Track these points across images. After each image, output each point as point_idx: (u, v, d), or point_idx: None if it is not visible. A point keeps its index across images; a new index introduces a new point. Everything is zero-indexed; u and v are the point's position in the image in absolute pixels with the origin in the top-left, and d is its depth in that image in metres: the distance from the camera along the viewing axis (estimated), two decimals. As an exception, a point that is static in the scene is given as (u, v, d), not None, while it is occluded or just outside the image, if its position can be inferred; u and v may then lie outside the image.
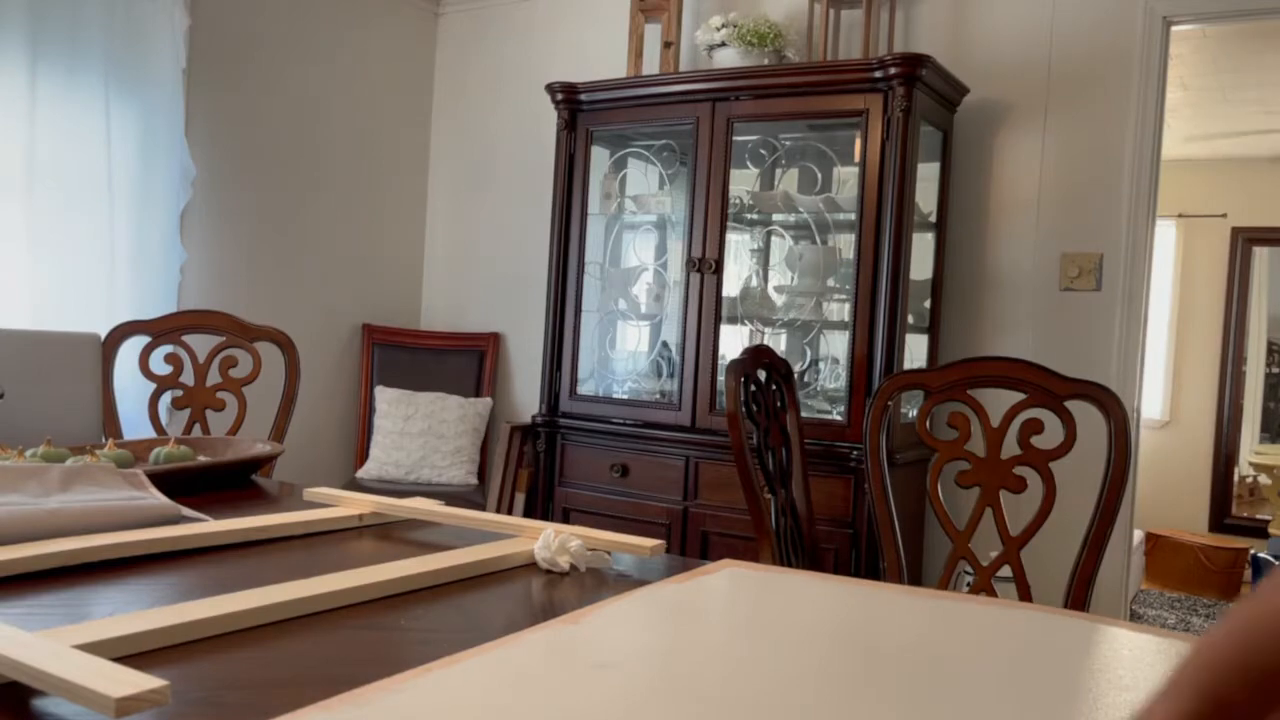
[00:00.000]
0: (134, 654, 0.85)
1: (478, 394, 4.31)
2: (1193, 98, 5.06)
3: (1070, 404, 1.96)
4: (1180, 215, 6.44)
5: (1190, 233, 6.48)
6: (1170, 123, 5.41)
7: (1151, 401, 6.45)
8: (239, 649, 0.90)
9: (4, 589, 1.06)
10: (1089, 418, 2.01)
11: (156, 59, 3.40)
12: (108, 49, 3.27)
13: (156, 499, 1.38)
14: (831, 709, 0.81)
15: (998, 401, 2.06)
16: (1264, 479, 6.15)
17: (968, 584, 2.12)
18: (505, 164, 4.45)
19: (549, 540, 1.27)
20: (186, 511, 1.39)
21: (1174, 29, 3.17)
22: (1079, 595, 1.91)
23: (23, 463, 1.44)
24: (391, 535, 1.45)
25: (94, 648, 0.81)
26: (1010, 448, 1.97)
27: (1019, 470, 1.97)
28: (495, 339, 4.39)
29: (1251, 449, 6.40)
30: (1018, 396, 2.00)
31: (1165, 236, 6.42)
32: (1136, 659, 1.00)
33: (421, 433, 4.05)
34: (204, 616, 0.91)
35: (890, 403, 2.12)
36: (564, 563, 1.25)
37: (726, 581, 1.22)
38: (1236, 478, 6.43)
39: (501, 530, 1.42)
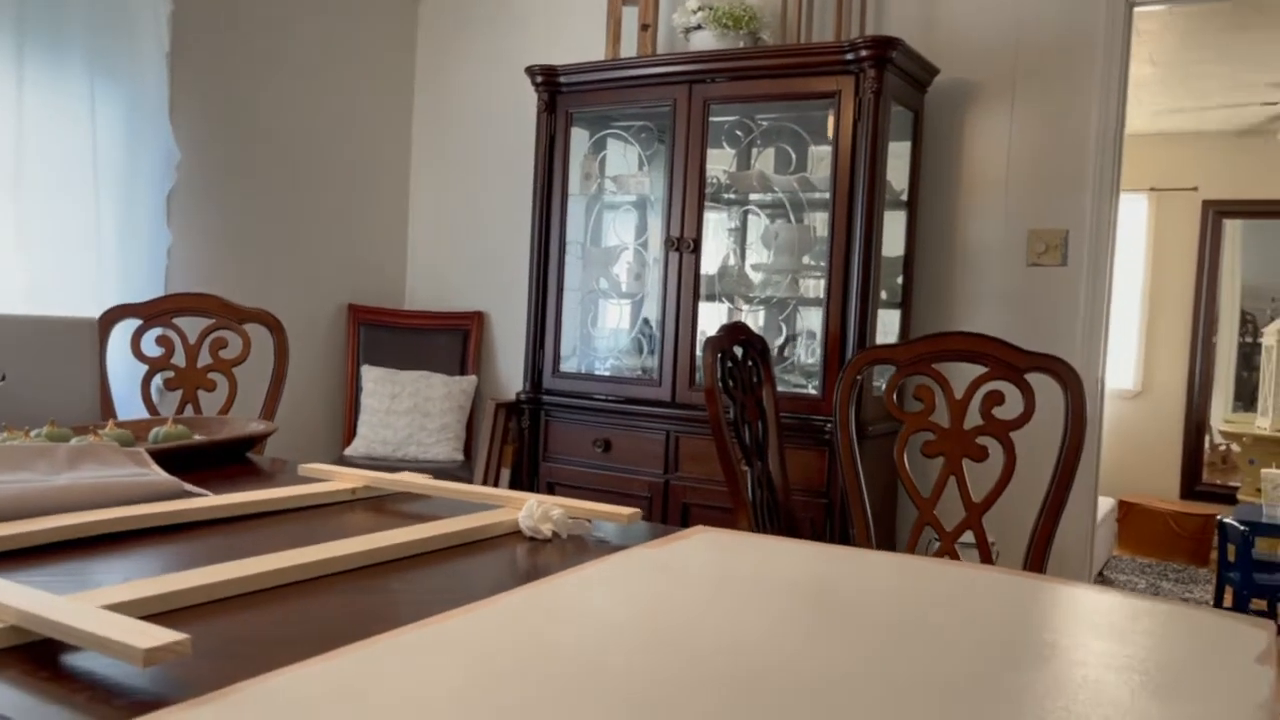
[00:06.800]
0: (153, 614, 0.93)
1: (462, 372, 4.38)
2: (1161, 74, 5.15)
3: (1031, 376, 2.06)
4: (1152, 189, 6.55)
5: (1162, 206, 6.59)
6: (1140, 98, 5.50)
7: (1124, 372, 6.57)
8: (247, 610, 0.98)
9: (22, 560, 1.14)
10: (1054, 389, 2.10)
11: (140, 44, 3.44)
12: (92, 34, 3.30)
13: (160, 475, 1.45)
14: (800, 658, 0.90)
15: (962, 374, 2.15)
16: (1235, 447, 6.30)
17: (934, 549, 2.22)
18: (486, 146, 4.50)
19: (532, 509, 1.35)
20: (188, 487, 1.46)
21: (1137, 9, 3.25)
22: (1037, 558, 2.01)
23: (30, 442, 1.52)
24: (383, 508, 1.53)
25: (119, 608, 0.89)
26: (974, 419, 2.06)
27: (981, 440, 2.06)
28: (479, 318, 4.46)
29: (1223, 418, 6.55)
30: (981, 370, 2.09)
31: (1137, 210, 6.53)
32: (1082, 615, 1.09)
33: (408, 410, 4.12)
34: (217, 580, 0.99)
35: (860, 376, 2.21)
36: (547, 530, 1.34)
37: (700, 545, 1.31)
38: (1209, 445, 6.58)
39: (488, 501, 1.51)
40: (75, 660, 0.84)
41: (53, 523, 1.21)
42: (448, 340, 4.43)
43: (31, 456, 1.41)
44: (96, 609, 0.85)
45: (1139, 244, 6.58)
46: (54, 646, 0.86)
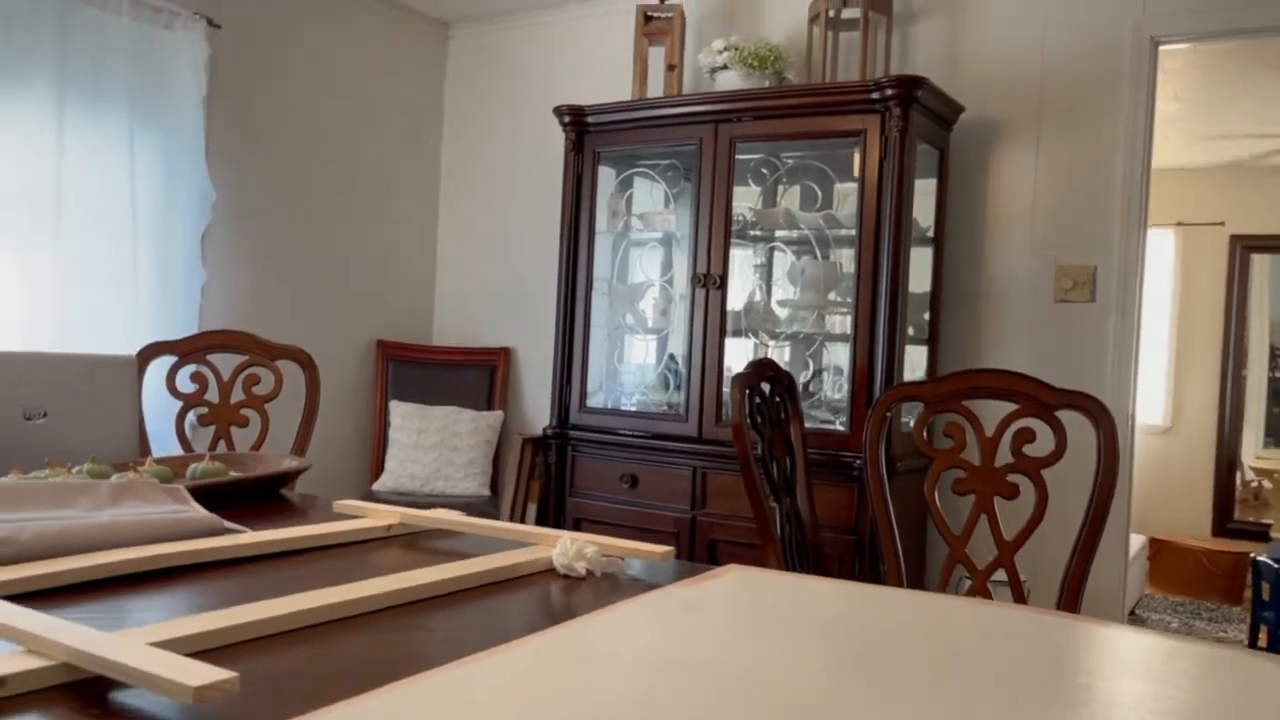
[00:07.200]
0: (198, 651, 0.94)
1: (489, 407, 4.41)
2: (1187, 109, 5.15)
3: (1061, 413, 2.05)
4: (1179, 224, 6.52)
5: (1189, 241, 6.55)
6: (1167, 133, 5.50)
7: (1153, 408, 6.51)
8: (289, 647, 1.00)
9: (65, 597, 1.15)
10: (1085, 426, 2.09)
11: (178, 88, 3.52)
12: (131, 79, 3.39)
13: (199, 512, 1.47)
14: (836, 700, 0.90)
15: (992, 411, 2.15)
16: (1267, 483, 6.22)
17: (966, 588, 2.20)
18: (514, 183, 4.56)
19: (566, 547, 1.36)
20: (227, 524, 1.48)
21: (1162, 48, 3.26)
22: (1070, 598, 1.99)
23: (73, 479, 1.54)
24: (417, 545, 1.54)
25: (165, 646, 0.90)
26: (1004, 456, 2.06)
27: (1012, 478, 2.05)
28: (506, 353, 4.49)
29: (1254, 453, 6.47)
30: (1011, 407, 2.09)
31: (1164, 245, 6.50)
32: (1120, 657, 1.09)
33: (435, 445, 4.15)
34: (260, 618, 1.00)
35: (889, 413, 2.21)
36: (581, 568, 1.34)
37: (734, 583, 1.31)
38: (1240, 482, 6.49)
39: (521, 539, 1.52)
40: (124, 697, 0.86)
41: (96, 560, 1.23)
42: (475, 376, 4.46)
43: (74, 493, 1.44)
44: (145, 646, 0.87)
45: (1166, 279, 6.54)
46: (103, 684, 0.88)
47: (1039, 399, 2.06)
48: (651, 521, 3.45)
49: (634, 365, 3.98)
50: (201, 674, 0.80)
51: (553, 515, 3.71)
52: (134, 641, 0.89)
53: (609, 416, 3.69)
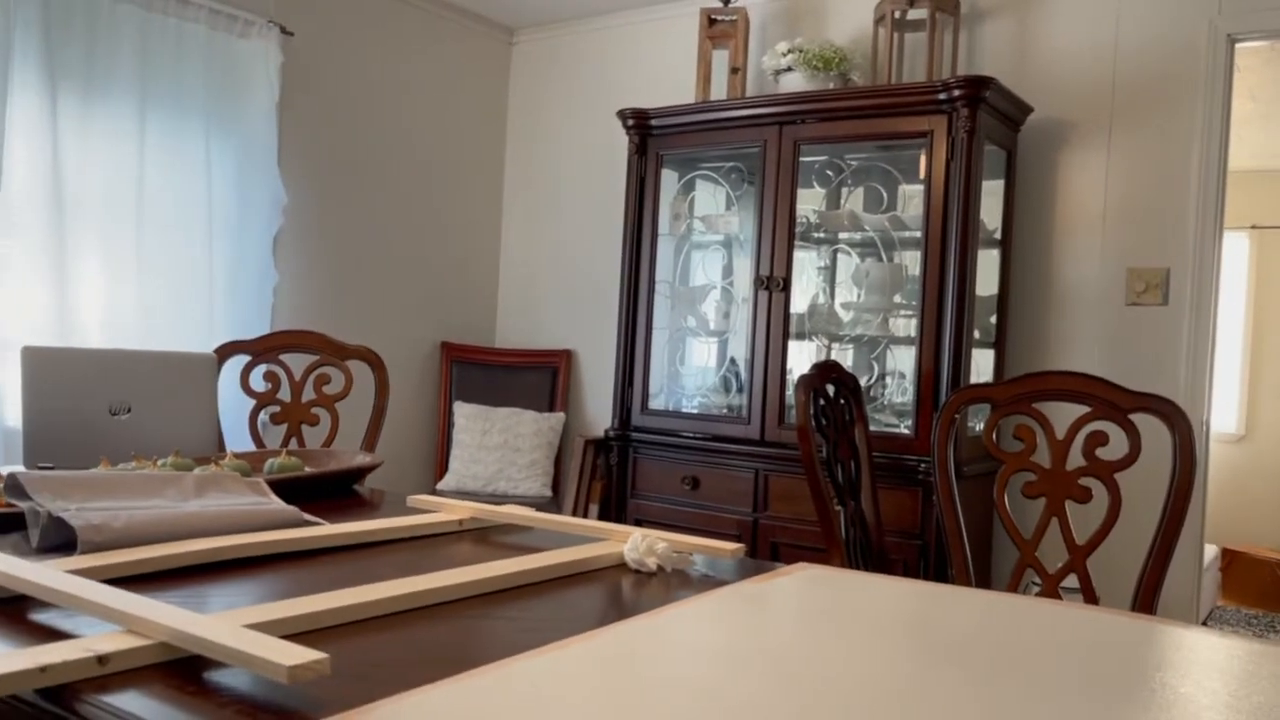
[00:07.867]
0: (289, 635, 0.97)
1: (551, 409, 4.44)
2: (1263, 109, 5.02)
3: (1135, 417, 2.02)
4: (1253, 227, 6.36)
5: (1263, 244, 6.38)
6: (1241, 134, 5.36)
7: (1226, 415, 6.35)
8: (371, 634, 1.02)
9: (154, 582, 1.19)
10: (1157, 431, 2.06)
11: (252, 94, 3.61)
12: (208, 86, 3.48)
13: (279, 504, 1.51)
14: (909, 695, 0.90)
15: (1062, 414, 2.12)
16: (1346, 494, 6.02)
17: (1035, 593, 2.18)
18: (577, 187, 4.59)
19: (637, 543, 1.37)
20: (306, 516, 1.52)
21: (1239, 45, 3.19)
22: (1145, 604, 1.96)
23: (159, 471, 1.59)
24: (489, 539, 1.57)
25: (259, 628, 0.93)
26: (1075, 460, 2.03)
27: (1084, 481, 2.02)
28: (568, 355, 4.53)
29: (1332, 463, 6.27)
30: (1082, 409, 2.06)
31: (1238, 248, 6.33)
32: (1199, 658, 1.07)
33: (498, 446, 4.19)
34: (348, 603, 1.03)
35: (957, 416, 2.19)
36: (651, 563, 1.36)
37: (804, 580, 1.31)
38: (1317, 493, 6.29)
39: (590, 534, 1.53)
40: (218, 676, 0.89)
41: (184, 547, 1.28)
42: (537, 378, 4.50)
43: (161, 484, 1.48)
44: (241, 628, 0.90)
45: (1240, 283, 6.38)
46: (199, 663, 0.91)
47: (1112, 401, 2.03)
48: (713, 524, 3.45)
49: (695, 368, 3.98)
50: (295, 655, 0.83)
51: (614, 517, 3.73)
52: (230, 623, 0.92)
53: (670, 419, 3.70)
